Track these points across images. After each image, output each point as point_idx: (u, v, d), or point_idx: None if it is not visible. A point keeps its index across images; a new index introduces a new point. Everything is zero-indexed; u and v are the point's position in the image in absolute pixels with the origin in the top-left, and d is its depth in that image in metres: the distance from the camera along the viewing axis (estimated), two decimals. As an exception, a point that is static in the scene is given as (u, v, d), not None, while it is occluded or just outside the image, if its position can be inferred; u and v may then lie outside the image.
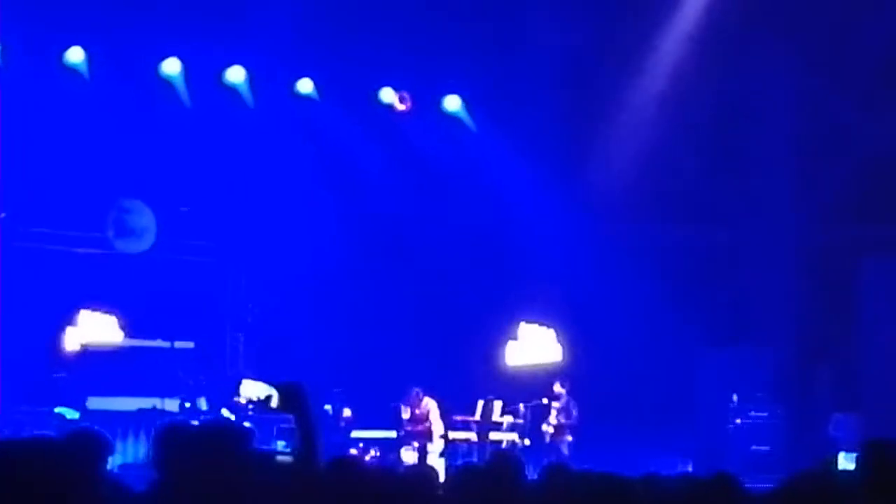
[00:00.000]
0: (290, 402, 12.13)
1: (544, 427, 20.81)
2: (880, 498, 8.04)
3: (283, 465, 8.21)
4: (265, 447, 18.41)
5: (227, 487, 7.71)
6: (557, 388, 20.95)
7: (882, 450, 8.48)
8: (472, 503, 8.00)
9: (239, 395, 18.17)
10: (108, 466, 8.95)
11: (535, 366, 22.88)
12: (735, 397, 22.60)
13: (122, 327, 21.41)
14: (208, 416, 19.84)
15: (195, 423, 18.38)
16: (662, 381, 22.39)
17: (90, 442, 8.43)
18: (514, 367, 22.96)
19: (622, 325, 22.69)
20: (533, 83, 23.53)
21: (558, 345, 23.24)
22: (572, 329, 23.19)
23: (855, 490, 8.16)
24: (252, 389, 18.03)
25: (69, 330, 21.12)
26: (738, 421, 22.55)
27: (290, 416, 11.87)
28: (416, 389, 20.53)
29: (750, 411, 22.56)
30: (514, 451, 19.67)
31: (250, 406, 18.15)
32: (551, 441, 20.77)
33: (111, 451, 8.58)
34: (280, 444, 18.88)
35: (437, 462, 19.66)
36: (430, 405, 20.50)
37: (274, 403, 13.05)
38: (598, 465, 8.11)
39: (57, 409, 19.56)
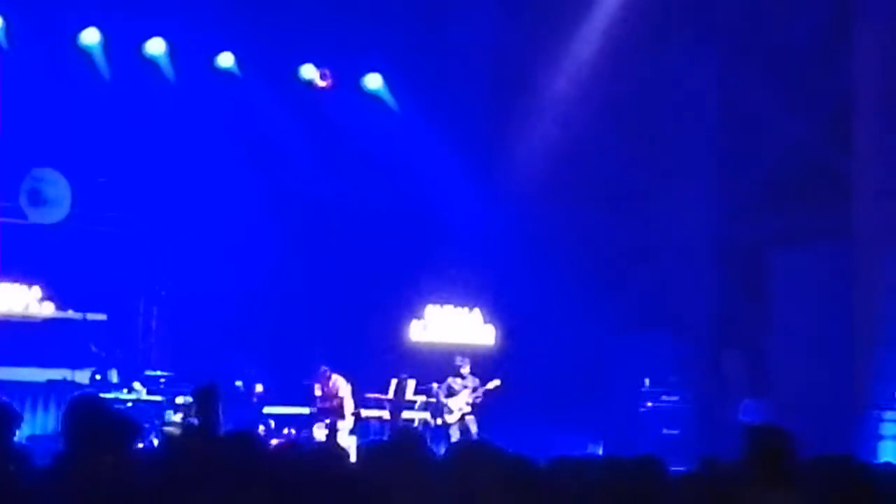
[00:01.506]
0: (200, 406, 12.25)
1: (452, 404, 20.78)
2: (763, 483, 8.18)
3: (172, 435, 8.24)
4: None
5: (127, 463, 7.73)
6: (465, 369, 20.98)
7: (762, 435, 8.65)
8: (377, 480, 8.01)
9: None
10: (16, 438, 8.91)
11: (455, 346, 22.93)
12: (647, 381, 22.79)
13: (34, 298, 21.18)
14: (119, 389, 19.76)
15: (105, 395, 18.46)
16: (576, 365, 22.53)
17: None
18: (420, 344, 23.03)
19: (538, 309, 22.79)
20: (455, 64, 23.53)
21: (489, 327, 23.34)
22: (489, 311, 23.30)
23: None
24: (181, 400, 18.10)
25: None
26: (650, 405, 22.75)
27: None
28: (324, 367, 20.49)
29: (661, 395, 22.76)
30: (419, 428, 19.73)
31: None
32: (459, 421, 20.77)
33: (18, 424, 8.53)
34: (170, 415, 18.90)
35: (347, 440, 19.65)
36: (338, 382, 20.45)
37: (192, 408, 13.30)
38: (505, 445, 8.12)
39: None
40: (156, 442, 17.97)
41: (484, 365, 22.03)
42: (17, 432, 8.88)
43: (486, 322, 23.46)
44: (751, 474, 8.46)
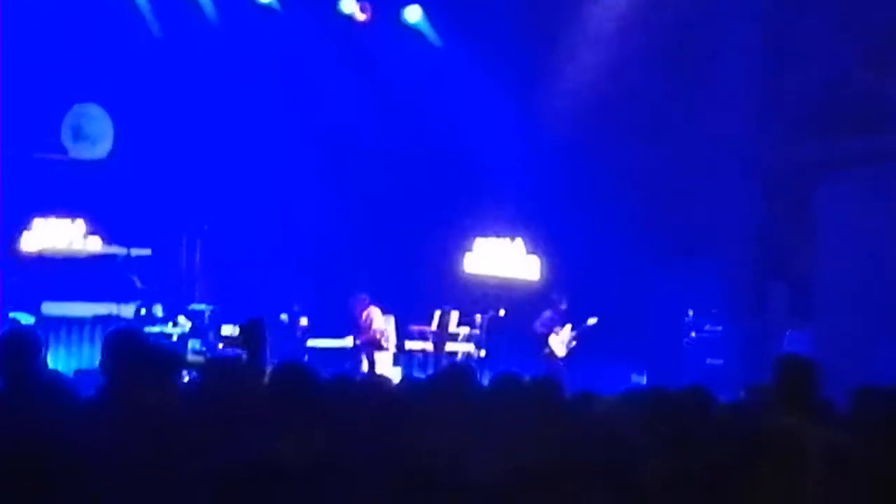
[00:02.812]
0: (248, 339, 12.33)
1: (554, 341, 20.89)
2: (790, 412, 8.21)
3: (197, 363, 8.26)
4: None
5: (169, 395, 7.76)
6: (563, 305, 21.09)
7: (786, 365, 8.73)
8: (424, 412, 8.04)
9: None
10: (48, 366, 8.95)
11: (499, 278, 22.92)
12: (691, 312, 22.72)
13: (78, 233, 21.29)
14: (164, 323, 19.87)
15: (150, 329, 18.57)
16: (619, 296, 22.46)
17: (20, 341, 8.43)
18: (473, 276, 22.96)
19: (581, 240, 22.73)
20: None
21: (532, 258, 23.26)
22: (533, 243, 23.25)
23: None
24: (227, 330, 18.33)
25: (25, 235, 21.02)
26: (693, 335, 22.70)
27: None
28: (363, 296, 20.52)
29: (705, 325, 22.69)
30: (469, 362, 19.78)
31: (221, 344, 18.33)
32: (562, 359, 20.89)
33: (40, 349, 8.55)
34: (192, 344, 18.98)
35: (390, 371, 19.72)
36: (372, 314, 20.45)
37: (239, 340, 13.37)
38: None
39: (11, 314, 19.53)
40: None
41: (530, 296, 22.06)
42: (52, 360, 8.94)
43: (528, 253, 23.35)
44: (779, 404, 8.52)
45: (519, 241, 23.32)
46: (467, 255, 23.24)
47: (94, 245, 21.39)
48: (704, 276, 22.86)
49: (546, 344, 20.91)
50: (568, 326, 21.01)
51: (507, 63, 23.52)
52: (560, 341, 20.97)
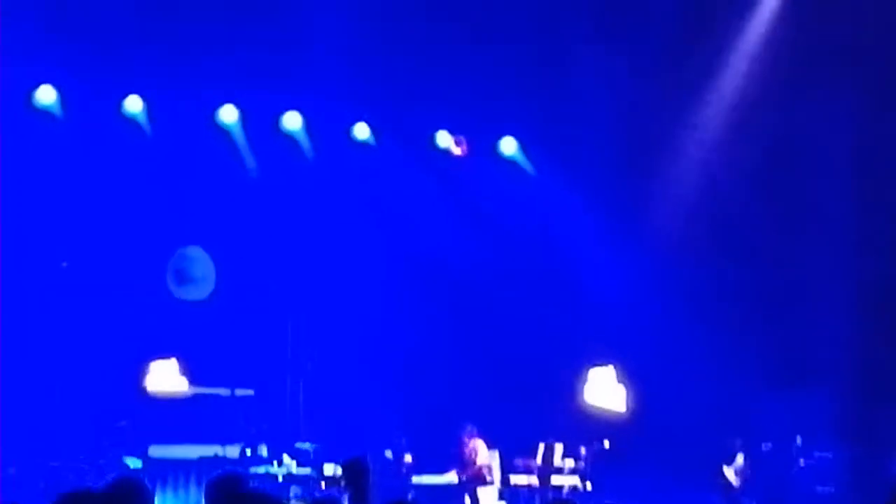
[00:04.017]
0: (350, 478, 12.27)
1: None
2: None
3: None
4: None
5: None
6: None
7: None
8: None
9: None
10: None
11: (600, 408, 22.76)
12: (799, 439, 22.38)
13: (183, 374, 21.45)
14: (269, 463, 19.91)
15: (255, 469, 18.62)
16: (724, 423, 22.19)
17: (131, 491, 8.49)
18: (578, 406, 22.81)
19: (682, 367, 22.55)
20: (589, 124, 23.45)
21: (620, 387, 23.10)
22: (632, 371, 23.06)
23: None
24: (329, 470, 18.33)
25: (142, 377, 21.24)
26: (802, 462, 22.34)
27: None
28: (470, 426, 20.45)
29: (814, 452, 22.34)
30: (574, 497, 19.57)
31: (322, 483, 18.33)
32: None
33: (150, 499, 8.60)
34: (294, 490, 18.95)
35: (496, 507, 19.59)
36: (478, 448, 20.38)
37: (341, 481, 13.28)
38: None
39: (121, 459, 19.67)
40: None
41: (623, 426, 21.89)
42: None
43: (620, 381, 23.14)
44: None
45: (611, 369, 23.15)
46: (573, 385, 23.10)
47: (197, 386, 21.52)
48: (810, 401, 22.56)
49: (721, 475, 20.97)
50: (740, 456, 20.92)
51: (601, 189, 23.57)
52: (734, 471, 20.96)
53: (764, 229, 23.33)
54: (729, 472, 21.02)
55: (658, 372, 22.74)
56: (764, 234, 23.37)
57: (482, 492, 20.18)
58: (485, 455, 20.44)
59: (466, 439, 20.56)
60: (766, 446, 22.34)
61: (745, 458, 21.09)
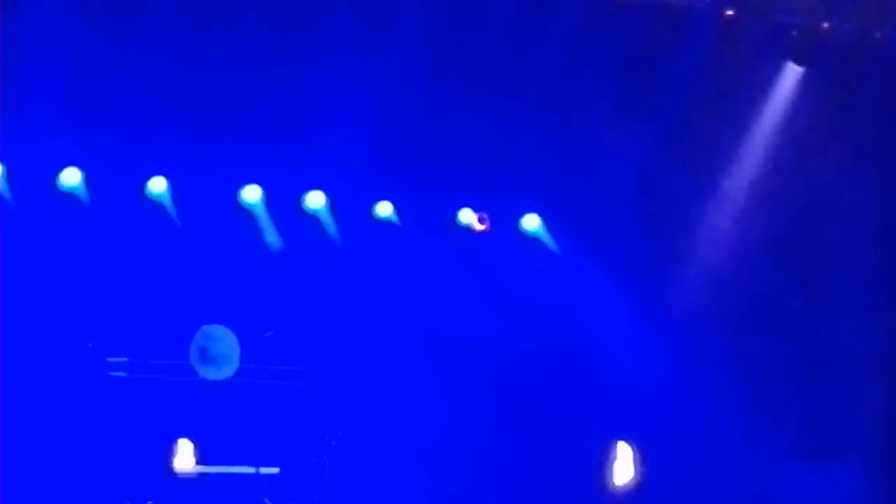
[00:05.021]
0: None
1: None
2: None
3: None
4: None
5: None
6: None
7: None
8: None
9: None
10: None
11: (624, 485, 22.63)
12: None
13: (207, 454, 21.38)
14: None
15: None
16: (745, 497, 22.00)
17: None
18: (620, 486, 22.65)
19: (706, 441, 22.42)
20: (611, 199, 23.49)
21: (632, 464, 22.95)
22: (656, 446, 22.90)
23: None
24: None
25: (176, 455, 21.18)
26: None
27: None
28: None
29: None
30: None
31: None
32: None
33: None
34: None
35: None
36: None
37: None
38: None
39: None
40: None
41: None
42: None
43: (640, 458, 22.94)
44: None
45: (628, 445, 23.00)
46: (598, 463, 22.95)
47: (222, 465, 21.44)
48: (838, 476, 22.35)
49: None
50: None
51: (625, 264, 23.54)
52: None
53: (788, 300, 23.28)
54: None
55: (682, 447, 22.60)
56: (788, 305, 23.31)
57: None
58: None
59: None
60: None
61: None
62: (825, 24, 22.72)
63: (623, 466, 22.89)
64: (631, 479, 22.61)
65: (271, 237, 22.74)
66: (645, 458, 22.91)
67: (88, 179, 21.54)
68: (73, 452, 20.76)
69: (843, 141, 22.83)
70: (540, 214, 24.21)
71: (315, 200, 23.02)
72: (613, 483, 22.57)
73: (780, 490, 22.66)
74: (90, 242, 21.31)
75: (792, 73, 23.28)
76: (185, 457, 21.31)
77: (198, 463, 21.36)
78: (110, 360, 21.56)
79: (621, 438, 23.22)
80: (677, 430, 22.82)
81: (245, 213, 22.62)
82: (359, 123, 21.71)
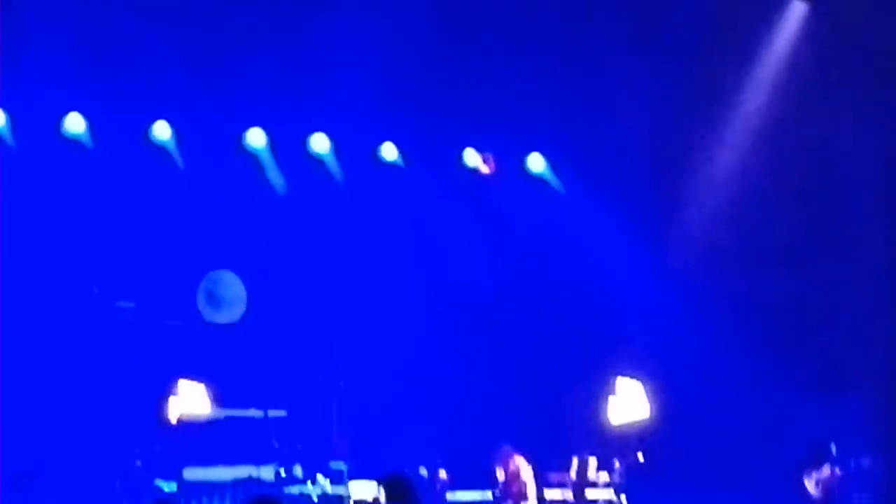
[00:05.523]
0: (396, 496, 11.90)
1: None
2: None
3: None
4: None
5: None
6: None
7: None
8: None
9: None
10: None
11: (630, 422, 22.68)
12: (833, 447, 22.16)
13: (215, 397, 21.50)
14: (303, 483, 19.92)
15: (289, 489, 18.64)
16: (757, 433, 22.09)
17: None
18: (611, 420, 22.72)
19: (715, 377, 22.48)
20: (617, 138, 23.46)
21: (646, 399, 22.98)
22: (665, 382, 22.97)
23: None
24: (360, 491, 17.98)
25: (171, 400, 21.27)
26: (838, 471, 22.12)
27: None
28: (507, 447, 20.49)
29: (850, 461, 22.10)
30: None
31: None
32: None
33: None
34: None
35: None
36: (520, 464, 20.43)
37: (382, 499, 12.89)
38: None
39: (155, 482, 19.73)
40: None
41: (656, 437, 21.80)
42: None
43: (654, 394, 22.99)
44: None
45: (640, 383, 23.04)
46: (605, 399, 23.02)
47: (231, 409, 21.57)
48: (847, 408, 22.39)
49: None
50: (827, 467, 20.74)
51: (633, 201, 23.53)
52: (815, 482, 20.74)
53: (797, 237, 23.23)
54: (809, 484, 20.67)
55: (691, 382, 22.67)
56: (797, 242, 23.27)
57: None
58: (527, 472, 20.46)
59: (506, 458, 20.56)
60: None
61: (833, 469, 20.66)
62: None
63: (630, 403, 22.96)
64: (645, 416, 22.69)
65: (276, 181, 22.76)
66: (657, 396, 22.98)
67: (92, 126, 21.54)
68: (80, 396, 20.88)
69: (850, 78, 22.70)
70: (545, 155, 24.20)
71: (320, 144, 23.02)
72: (620, 420, 22.65)
73: (791, 424, 22.71)
74: (95, 189, 21.37)
75: (798, 10, 23.17)
76: (193, 400, 21.42)
77: (206, 406, 21.48)
78: (118, 304, 21.66)
79: (630, 373, 23.28)
80: (687, 363, 22.88)
81: (250, 157, 22.63)
82: (363, 66, 21.66)
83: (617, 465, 20.86)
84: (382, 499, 13.03)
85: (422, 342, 23.10)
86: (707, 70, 23.11)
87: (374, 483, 18.28)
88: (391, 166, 23.45)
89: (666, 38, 22.91)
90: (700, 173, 23.75)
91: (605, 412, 22.77)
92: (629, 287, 23.77)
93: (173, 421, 21.09)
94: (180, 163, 22.06)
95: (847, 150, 23.16)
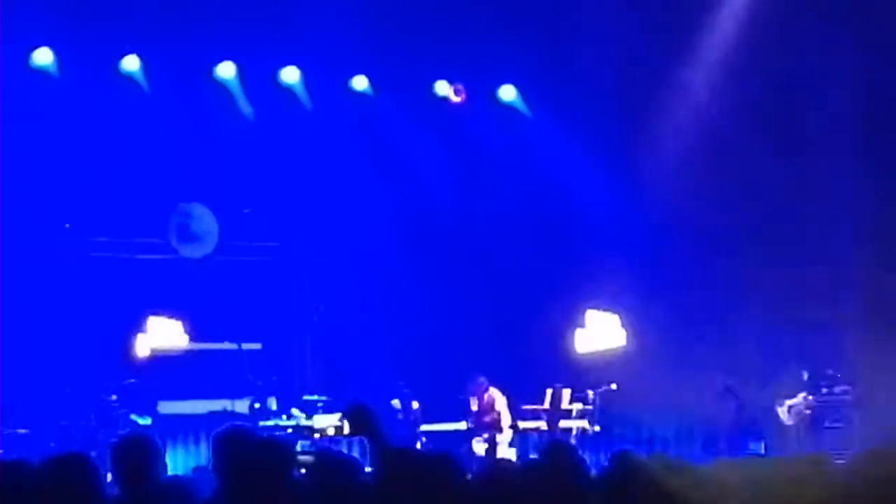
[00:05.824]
0: (358, 425, 11.92)
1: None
2: None
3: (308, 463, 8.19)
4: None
5: (284, 494, 7.71)
6: None
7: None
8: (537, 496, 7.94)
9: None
10: (170, 470, 8.94)
11: (602, 352, 22.79)
12: (805, 374, 22.31)
13: (189, 331, 21.48)
14: (278, 416, 19.96)
15: (265, 423, 18.64)
16: (725, 361, 22.18)
17: (140, 448, 8.48)
18: (584, 354, 22.84)
19: (686, 304, 22.60)
20: (586, 68, 23.34)
21: (622, 329, 23.11)
22: (634, 312, 23.08)
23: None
24: (323, 422, 17.93)
25: (139, 336, 21.24)
26: (811, 398, 22.29)
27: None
28: (481, 378, 20.58)
29: (822, 388, 22.25)
30: (571, 440, 19.65)
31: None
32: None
33: (158, 454, 8.58)
34: (301, 445, 18.87)
35: (507, 452, 19.67)
36: (494, 395, 20.54)
37: (346, 430, 12.85)
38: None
39: (130, 416, 19.73)
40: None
41: (629, 366, 21.92)
42: (170, 463, 8.96)
43: (624, 324, 23.12)
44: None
45: (614, 313, 23.14)
46: (577, 330, 23.12)
47: (204, 342, 21.57)
48: (817, 335, 22.50)
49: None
50: (801, 395, 20.90)
51: (601, 130, 23.49)
52: (785, 411, 20.91)
53: (765, 162, 23.26)
54: (783, 411, 20.88)
55: (663, 310, 22.76)
56: (765, 168, 23.30)
57: (498, 438, 20.30)
58: (502, 402, 20.57)
59: (480, 390, 20.64)
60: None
61: (808, 397, 20.88)
62: None
63: (602, 333, 23.08)
64: (618, 346, 22.82)
65: (246, 111, 22.62)
66: (625, 327, 23.09)
67: (60, 58, 21.32)
68: (52, 332, 20.78)
69: (821, 6, 22.67)
70: (515, 85, 24.12)
71: (290, 75, 22.87)
72: (589, 349, 22.77)
73: (760, 347, 22.81)
74: (64, 122, 21.14)
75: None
76: (167, 334, 21.40)
77: (180, 340, 21.46)
78: (90, 239, 21.56)
79: (601, 304, 23.37)
80: (658, 291, 22.96)
81: (220, 88, 22.47)
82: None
83: (591, 395, 20.96)
84: (346, 429, 13.05)
85: (392, 272, 23.12)
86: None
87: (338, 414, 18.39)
88: (361, 96, 23.34)
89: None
90: (669, 101, 23.73)
91: (576, 342, 22.91)
92: (598, 214, 23.80)
93: (147, 355, 21.08)
94: (149, 95, 21.85)
95: (816, 81, 23.17)
